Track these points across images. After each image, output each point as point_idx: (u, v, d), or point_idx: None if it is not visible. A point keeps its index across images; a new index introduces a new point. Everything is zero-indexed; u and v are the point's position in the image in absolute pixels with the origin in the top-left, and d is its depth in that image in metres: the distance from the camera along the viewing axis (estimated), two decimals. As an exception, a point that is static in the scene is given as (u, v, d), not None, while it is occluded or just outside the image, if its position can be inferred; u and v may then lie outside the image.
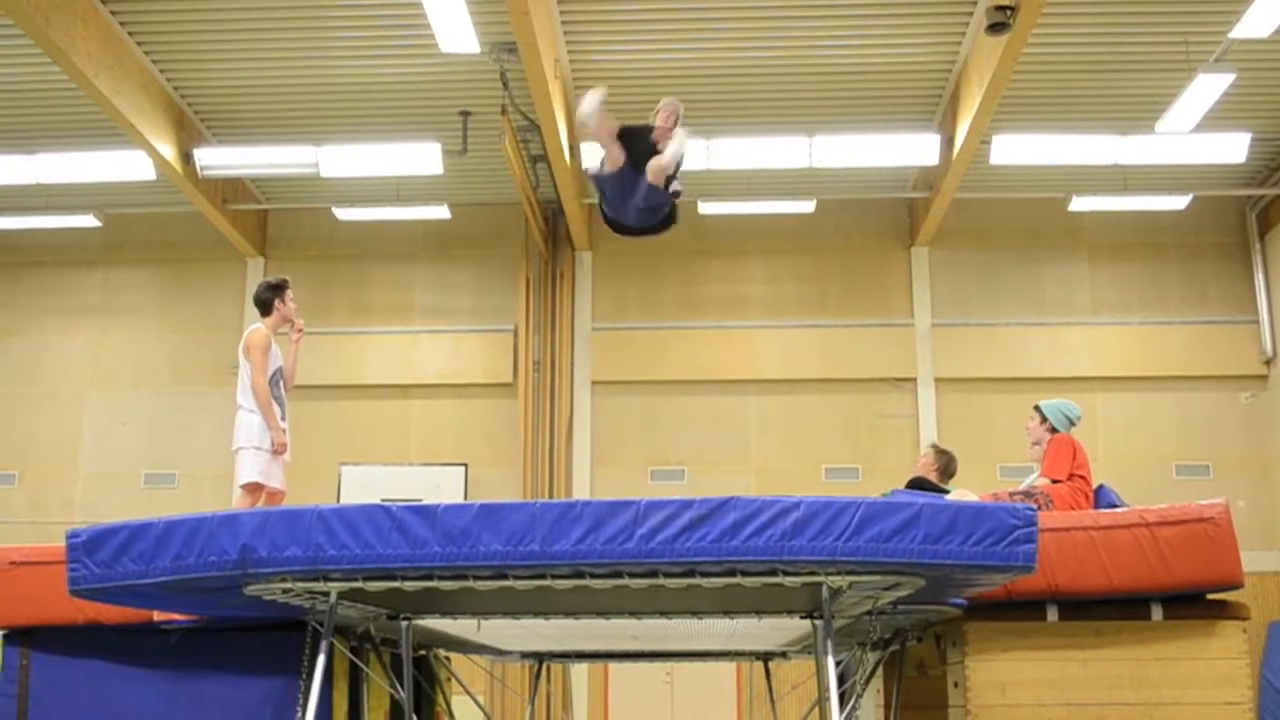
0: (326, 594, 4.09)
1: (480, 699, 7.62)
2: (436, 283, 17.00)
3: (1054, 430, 7.42)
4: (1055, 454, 7.10)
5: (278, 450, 7.31)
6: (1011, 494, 6.74)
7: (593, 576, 3.97)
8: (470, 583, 4.03)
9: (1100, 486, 7.12)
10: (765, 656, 7.91)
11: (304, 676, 4.15)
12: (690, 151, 7.71)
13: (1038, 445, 7.42)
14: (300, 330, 7.89)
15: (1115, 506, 6.57)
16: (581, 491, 15.96)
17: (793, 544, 3.73)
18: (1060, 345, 16.31)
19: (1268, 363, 16.42)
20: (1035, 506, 5.76)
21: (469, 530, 3.88)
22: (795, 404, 16.33)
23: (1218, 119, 13.65)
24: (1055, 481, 6.93)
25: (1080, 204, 16.10)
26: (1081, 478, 7.09)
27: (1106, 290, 16.73)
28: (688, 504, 3.82)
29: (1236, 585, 5.57)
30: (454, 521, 3.91)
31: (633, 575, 3.94)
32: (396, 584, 4.00)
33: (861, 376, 16.24)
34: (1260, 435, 16.33)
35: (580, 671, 15.32)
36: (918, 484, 7.41)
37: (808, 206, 16.25)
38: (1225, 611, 5.60)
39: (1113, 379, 16.09)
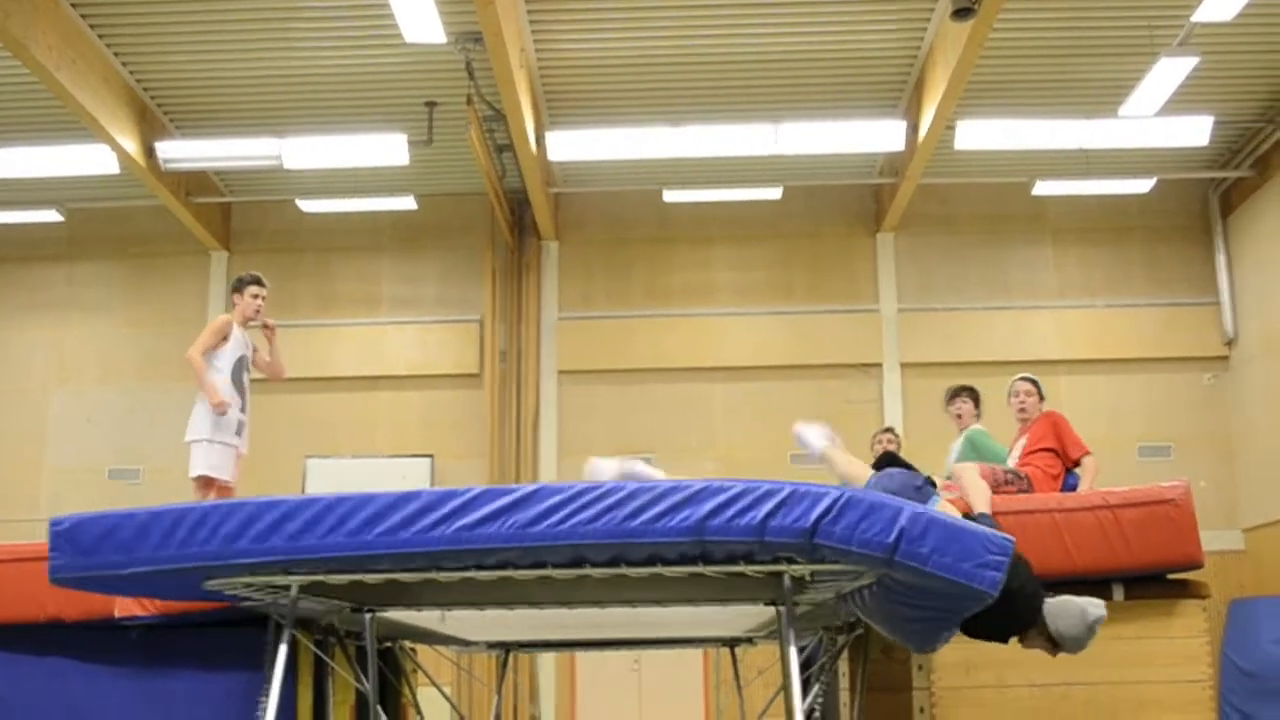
0: (288, 588, 4.08)
1: (447, 690, 7.61)
2: (402, 274, 16.95)
3: (1041, 400, 7.49)
4: (1066, 430, 7.21)
5: (218, 410, 7.26)
6: (1005, 472, 6.79)
7: (556, 566, 3.97)
8: (434, 574, 4.03)
9: (1068, 471, 7.20)
10: (732, 642, 7.93)
11: (267, 671, 4.13)
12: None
13: (1026, 415, 7.46)
14: (269, 327, 7.91)
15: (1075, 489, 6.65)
16: (548, 481, 15.96)
17: (769, 526, 3.73)
18: (1025, 329, 16.42)
19: (1229, 344, 16.57)
20: (1007, 485, 5.85)
21: (442, 517, 3.87)
22: (762, 390, 16.38)
23: (1181, 102, 13.74)
24: (1083, 457, 7.07)
25: (1044, 188, 16.19)
26: (1056, 454, 7.17)
27: (1071, 273, 16.84)
28: (676, 487, 3.82)
29: (1196, 565, 5.64)
30: (417, 510, 3.89)
31: (596, 565, 3.94)
32: (359, 576, 4.00)
33: (828, 362, 16.30)
34: (1221, 416, 16.50)
35: (547, 661, 15.35)
36: (888, 459, 7.41)
37: (774, 193, 16.29)
38: (1186, 591, 5.66)
39: (1077, 361, 16.21)
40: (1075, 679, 5.34)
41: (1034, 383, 7.53)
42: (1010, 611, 4.38)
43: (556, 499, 3.85)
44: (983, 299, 16.66)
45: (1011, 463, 7.15)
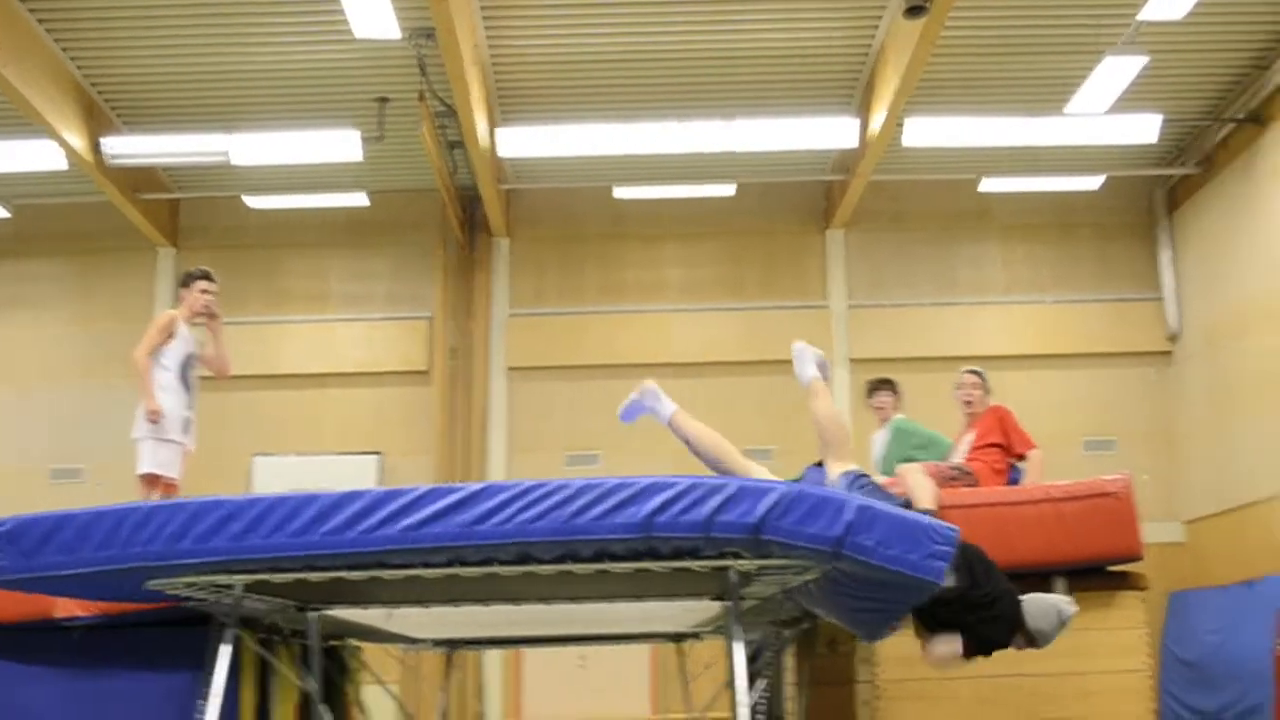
0: (231, 587, 4.06)
1: (393, 688, 7.59)
2: (353, 270, 16.89)
3: (987, 394, 7.54)
4: (1013, 425, 7.26)
5: (151, 418, 7.20)
6: (951, 468, 6.84)
7: (505, 562, 3.97)
8: (379, 573, 4.02)
9: (1013, 465, 7.27)
10: (678, 637, 7.95)
11: (206, 670, 4.12)
12: None
13: (972, 409, 7.49)
14: (216, 319, 7.83)
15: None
16: (497, 478, 15.95)
17: (717, 522, 3.74)
18: (973, 325, 16.57)
19: (1172, 339, 16.80)
20: (953, 482, 5.88)
21: (388, 516, 3.86)
22: (713, 386, 16.42)
23: (1130, 100, 13.90)
24: (1029, 451, 7.12)
25: (992, 185, 16.35)
26: (1002, 448, 7.23)
27: (1018, 270, 17.01)
28: (624, 484, 3.83)
29: (1136, 558, 5.72)
30: (371, 508, 3.89)
31: (542, 561, 3.94)
32: (303, 575, 3.99)
33: (779, 358, 16.31)
34: (1164, 410, 16.73)
35: (494, 658, 15.34)
36: None
37: (726, 190, 16.34)
38: (1125, 583, 5.75)
39: (1024, 357, 16.37)
40: (1016, 670, 5.40)
41: (980, 376, 7.58)
42: (1001, 615, 4.55)
43: (503, 497, 3.85)
44: (931, 295, 16.80)
45: (958, 457, 7.21)
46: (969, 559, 4.58)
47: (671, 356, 16.49)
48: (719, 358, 16.49)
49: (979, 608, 4.53)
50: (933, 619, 4.64)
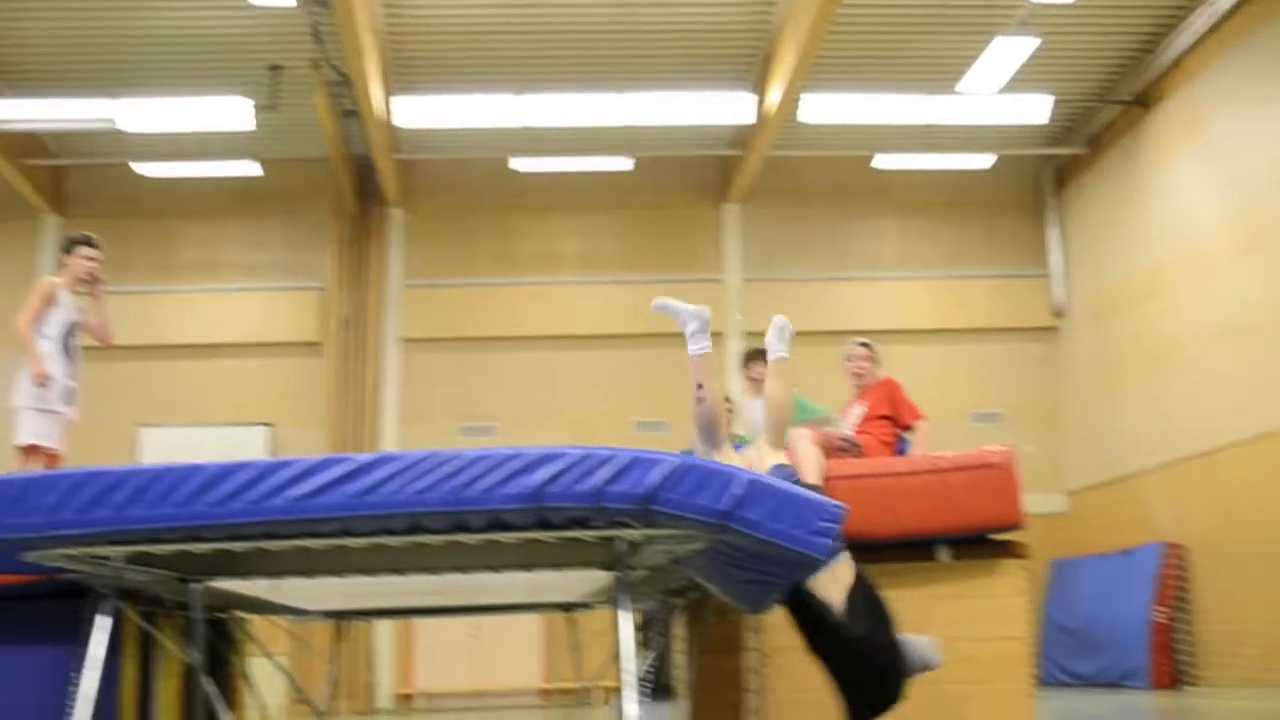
0: (109, 558, 3.99)
1: (282, 660, 7.52)
2: (245, 240, 16.63)
3: (877, 365, 7.58)
4: (902, 397, 7.32)
5: (39, 381, 7.04)
6: (839, 438, 6.87)
7: (395, 533, 3.95)
8: (265, 544, 3.97)
9: (900, 437, 7.35)
10: (569, 607, 7.97)
11: (81, 644, 4.05)
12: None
13: (862, 381, 7.53)
14: (100, 285, 7.64)
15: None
16: (390, 450, 15.85)
17: (607, 493, 3.75)
18: (866, 299, 16.80)
19: (1058, 315, 17.19)
20: (841, 451, 5.96)
21: (275, 487, 3.82)
22: (608, 359, 16.48)
23: (1022, 81, 14.16)
24: (917, 422, 7.19)
25: (886, 162, 16.56)
26: (891, 420, 7.31)
27: (911, 246, 17.26)
28: (514, 454, 3.81)
29: (1017, 526, 5.83)
30: (256, 479, 3.84)
31: (434, 530, 3.92)
32: (186, 547, 3.93)
33: (673, 332, 16.40)
34: (1049, 384, 17.13)
35: (384, 629, 15.28)
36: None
37: (623, 164, 16.34)
38: (1007, 551, 5.85)
39: (915, 331, 16.65)
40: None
41: (870, 348, 7.62)
42: (878, 671, 4.72)
43: (392, 468, 3.82)
44: (825, 270, 16.98)
45: (847, 428, 7.27)
46: (866, 600, 4.66)
47: (567, 329, 16.50)
48: (614, 330, 16.52)
49: (855, 656, 4.65)
50: (814, 647, 4.76)
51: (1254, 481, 12.93)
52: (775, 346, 5.80)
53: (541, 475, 3.75)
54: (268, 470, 3.83)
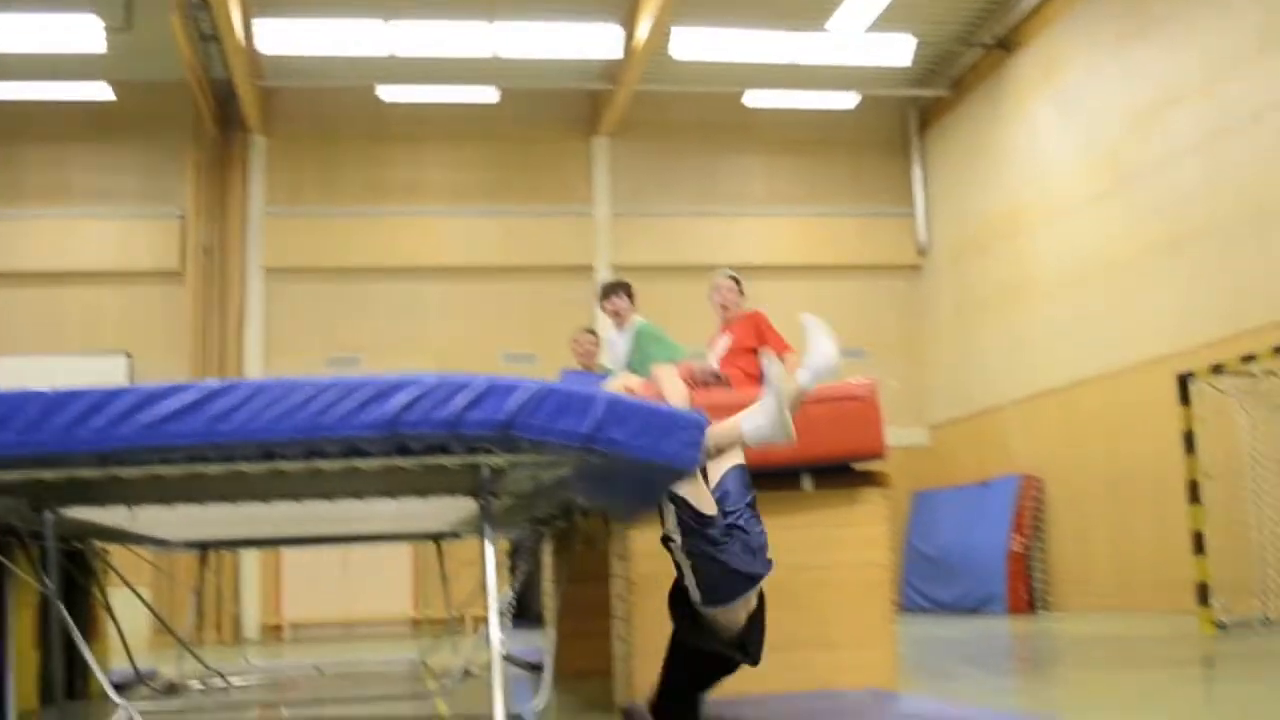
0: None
1: (144, 592, 7.39)
2: (98, 165, 16.08)
3: (742, 297, 7.56)
4: (769, 329, 7.31)
5: None
6: (706, 372, 6.87)
7: (249, 460, 3.87)
8: (117, 470, 3.87)
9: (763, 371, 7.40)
10: (437, 536, 7.96)
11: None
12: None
13: (728, 313, 7.51)
14: None
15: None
16: (256, 381, 15.60)
17: (466, 420, 3.71)
18: (733, 235, 16.90)
19: (921, 253, 17.50)
20: (706, 385, 5.99)
21: (122, 413, 3.71)
22: (476, 291, 16.37)
23: (888, 22, 14.28)
24: (786, 354, 7.20)
25: (755, 99, 16.61)
26: (757, 354, 7.33)
27: (778, 183, 17.38)
28: (365, 383, 3.75)
29: (880, 457, 5.94)
30: (101, 405, 3.72)
31: (289, 458, 3.86)
32: (33, 474, 3.81)
33: (542, 264, 16.40)
34: (912, 321, 17.47)
35: (251, 560, 15.11)
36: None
37: (491, 94, 16.14)
38: (869, 480, 5.97)
39: (781, 268, 16.80)
40: (764, 564, 5.58)
41: (736, 280, 7.59)
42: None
43: (244, 394, 3.73)
44: (694, 205, 17.03)
45: (713, 360, 7.28)
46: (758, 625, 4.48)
47: (435, 260, 16.33)
48: (482, 262, 16.40)
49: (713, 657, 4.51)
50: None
51: (1107, 416, 13.38)
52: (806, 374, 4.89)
53: (397, 403, 3.69)
54: (113, 396, 3.72)
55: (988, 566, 14.62)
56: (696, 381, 6.50)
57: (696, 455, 3.91)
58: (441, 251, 16.37)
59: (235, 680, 8.31)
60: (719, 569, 4.21)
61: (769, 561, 4.28)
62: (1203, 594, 9.47)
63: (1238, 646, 7.89)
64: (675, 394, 6.27)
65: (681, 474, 4.00)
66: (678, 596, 4.51)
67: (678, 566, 4.34)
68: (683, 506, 4.20)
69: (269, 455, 3.80)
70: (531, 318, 16.02)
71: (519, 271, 16.37)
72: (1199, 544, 9.60)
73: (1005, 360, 15.54)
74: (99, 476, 3.90)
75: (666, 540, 4.34)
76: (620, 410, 3.83)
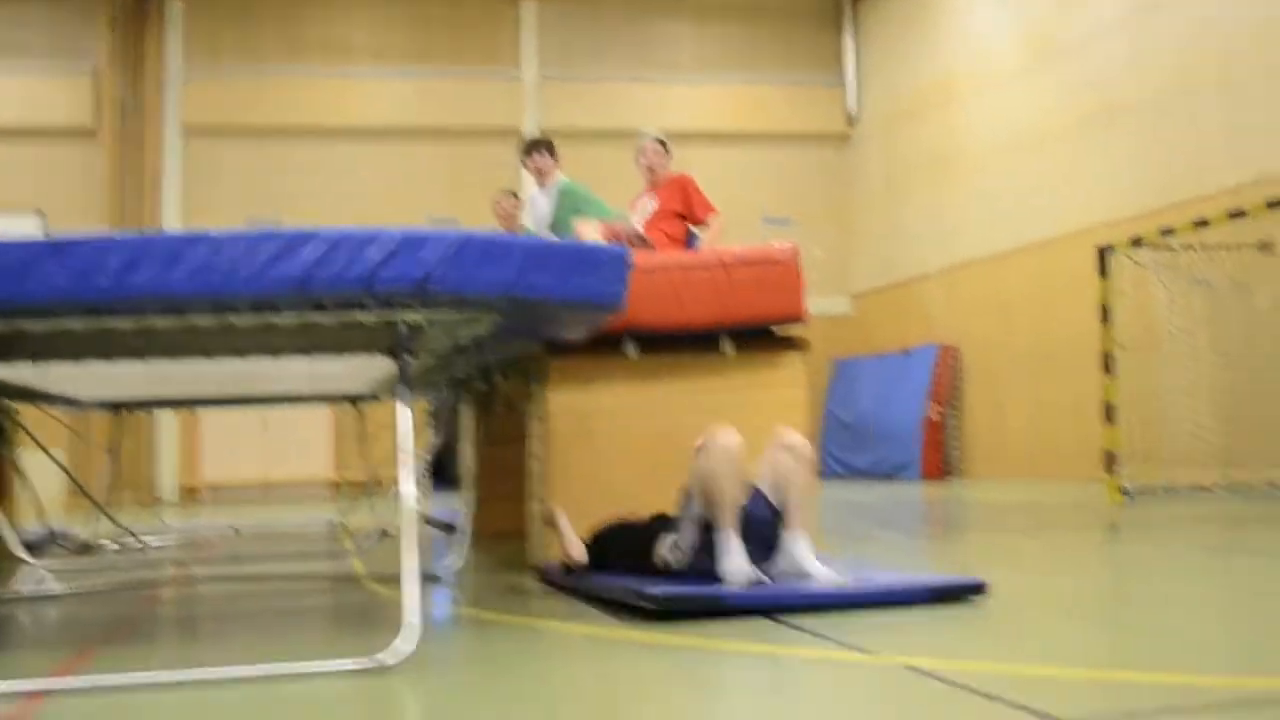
0: None
1: (58, 453, 7.31)
2: (4, 18, 15.49)
3: (668, 158, 7.48)
4: (695, 192, 7.25)
5: None
6: (629, 233, 6.81)
7: (158, 314, 3.78)
8: (20, 324, 3.77)
9: (691, 235, 7.38)
10: (355, 398, 7.92)
11: None
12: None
13: (654, 175, 7.43)
14: None
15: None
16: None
17: (380, 276, 3.62)
18: (664, 100, 16.71)
19: (850, 122, 17.43)
20: (629, 246, 5.94)
21: (28, 265, 3.59)
22: (399, 153, 16.11)
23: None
24: (711, 216, 7.16)
25: (686, -40, 16.32)
26: (683, 218, 7.30)
27: (709, 49, 17.17)
28: (272, 235, 3.65)
29: (800, 321, 5.96)
30: (8, 256, 3.61)
31: (200, 311, 3.77)
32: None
33: (467, 127, 16.14)
34: (840, 190, 17.47)
35: (169, 422, 15.00)
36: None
37: (415, -51, 15.73)
38: (788, 345, 6.00)
39: (711, 135, 16.68)
40: (684, 426, 5.62)
41: (663, 142, 7.51)
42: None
43: (145, 250, 3.61)
44: (623, 70, 16.79)
45: (637, 222, 7.23)
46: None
47: (356, 121, 16.03)
48: (405, 124, 16.12)
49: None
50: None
51: (1027, 288, 13.54)
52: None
53: (307, 258, 3.59)
54: (13, 249, 3.60)
55: (904, 434, 14.87)
56: (619, 239, 6.46)
57: (621, 291, 3.87)
58: (364, 113, 16.05)
59: (150, 540, 8.29)
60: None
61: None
62: (1111, 463, 9.69)
63: (1140, 513, 8.11)
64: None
65: (608, 311, 3.96)
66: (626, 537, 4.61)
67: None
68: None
69: (179, 310, 3.71)
70: (455, 181, 15.83)
71: (443, 134, 16.11)
72: (1110, 414, 9.80)
73: (931, 231, 15.63)
74: (4, 330, 3.80)
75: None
76: (540, 254, 3.76)
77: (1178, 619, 3.74)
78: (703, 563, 4.22)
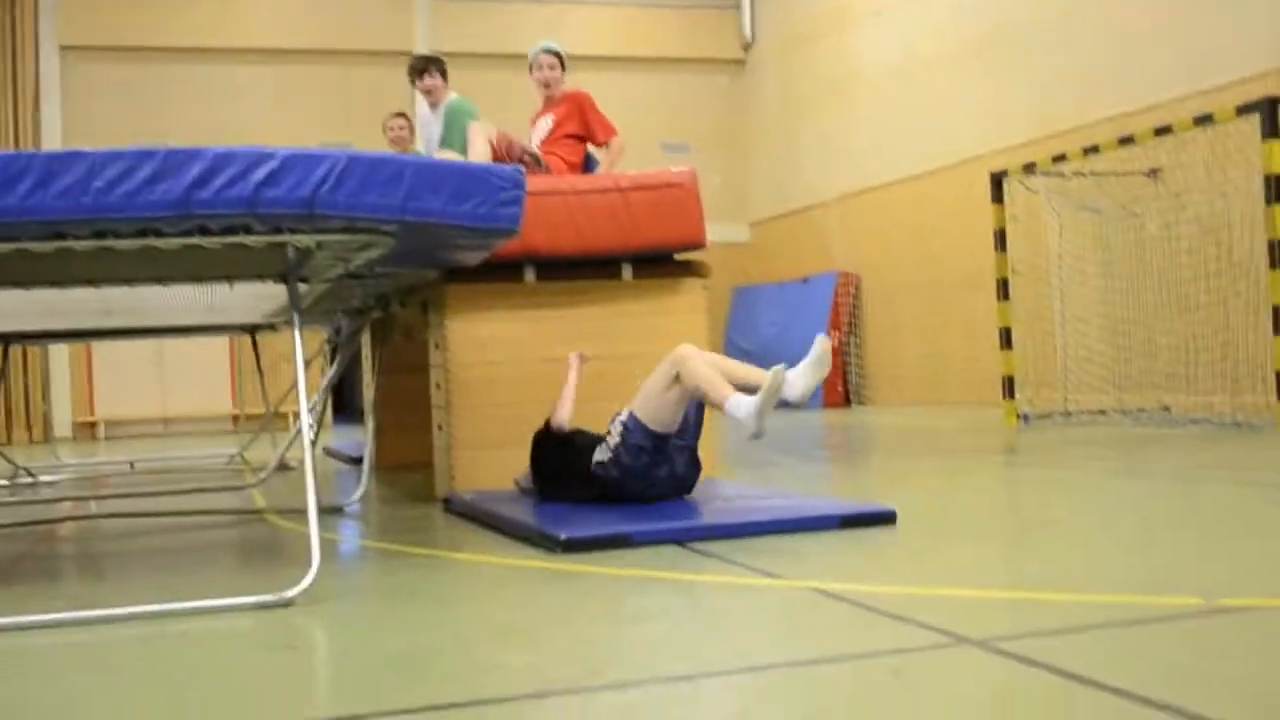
0: None
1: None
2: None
3: (564, 72, 7.29)
4: (593, 111, 7.08)
5: None
6: (524, 150, 6.64)
7: (33, 238, 3.61)
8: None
9: (588, 157, 7.27)
10: (252, 329, 7.76)
11: None
12: None
13: (549, 91, 7.23)
14: None
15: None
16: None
17: (264, 197, 3.48)
18: (558, 23, 16.45)
19: (746, 48, 17.36)
20: (524, 167, 5.82)
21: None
22: (288, 74, 15.72)
23: None
24: (612, 139, 7.03)
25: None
26: (580, 140, 7.16)
27: (605, -29, 16.96)
28: (150, 154, 3.49)
29: (699, 246, 5.93)
30: None
31: (80, 237, 3.61)
32: None
33: (357, 48, 15.79)
34: (736, 116, 17.43)
35: (60, 355, 14.61)
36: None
37: None
38: (688, 270, 5.97)
39: (606, 59, 16.48)
40: (585, 353, 5.58)
41: (558, 55, 7.30)
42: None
43: (16, 169, 3.45)
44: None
45: (535, 142, 7.08)
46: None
47: (243, 42, 15.59)
48: (294, 44, 15.70)
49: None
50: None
51: (924, 214, 13.64)
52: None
53: (186, 178, 3.43)
54: None
55: (805, 361, 14.97)
56: (513, 156, 6.32)
57: (517, 214, 3.78)
58: (251, 33, 15.60)
59: (44, 477, 8.09)
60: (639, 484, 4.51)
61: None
62: (1008, 388, 9.85)
63: (1036, 437, 8.26)
64: (478, 154, 6.15)
65: (504, 235, 3.87)
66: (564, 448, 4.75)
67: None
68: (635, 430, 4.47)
69: (56, 234, 3.54)
70: (347, 105, 15.49)
71: (333, 55, 15.73)
72: (1007, 340, 9.94)
73: (827, 158, 15.66)
74: None
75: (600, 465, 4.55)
76: (431, 175, 3.65)
77: (1078, 540, 3.79)
78: (640, 462, 4.47)
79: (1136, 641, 2.36)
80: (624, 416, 4.56)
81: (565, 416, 4.88)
